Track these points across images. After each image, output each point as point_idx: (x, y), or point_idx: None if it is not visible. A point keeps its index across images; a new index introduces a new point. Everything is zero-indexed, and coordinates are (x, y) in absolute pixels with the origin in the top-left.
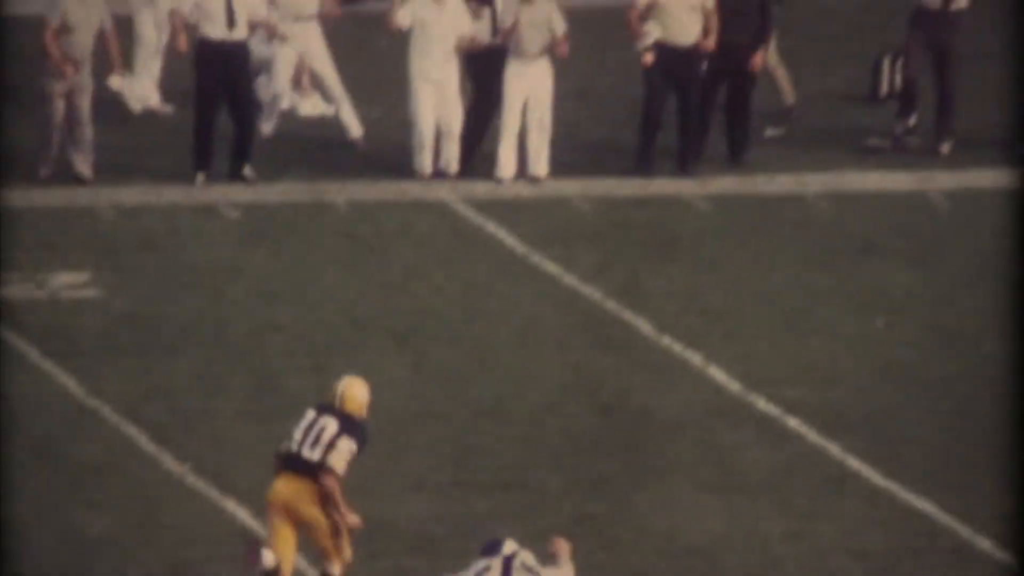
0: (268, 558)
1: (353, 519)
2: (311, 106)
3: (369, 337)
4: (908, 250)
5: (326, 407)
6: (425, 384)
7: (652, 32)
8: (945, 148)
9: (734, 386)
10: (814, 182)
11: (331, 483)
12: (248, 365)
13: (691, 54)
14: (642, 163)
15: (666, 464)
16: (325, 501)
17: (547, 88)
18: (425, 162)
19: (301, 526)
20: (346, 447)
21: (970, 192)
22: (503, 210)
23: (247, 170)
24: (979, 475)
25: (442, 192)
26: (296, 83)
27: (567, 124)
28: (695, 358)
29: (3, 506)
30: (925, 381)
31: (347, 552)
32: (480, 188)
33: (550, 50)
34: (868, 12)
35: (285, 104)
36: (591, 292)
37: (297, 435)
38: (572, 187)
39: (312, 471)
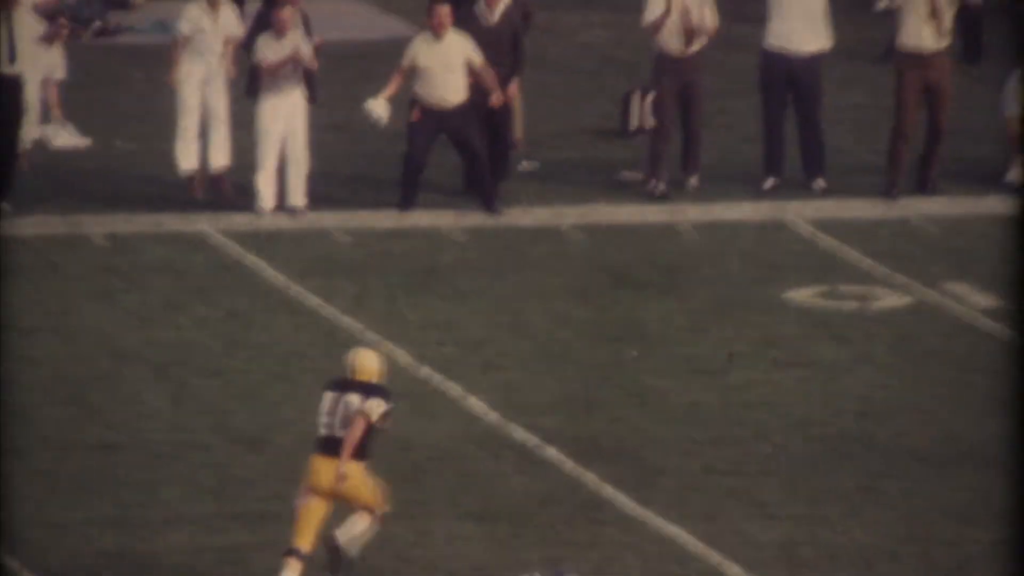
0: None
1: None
2: (64, 138)
3: (129, 369)
4: (660, 281)
5: (342, 383)
6: (185, 415)
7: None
8: (693, 182)
9: (492, 416)
10: (569, 215)
11: (357, 428)
12: (4, 399)
13: (459, 110)
14: (404, 201)
15: (426, 494)
16: (363, 474)
17: (302, 120)
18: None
19: (345, 501)
20: (376, 403)
21: (717, 224)
22: (262, 242)
23: (3, 204)
24: (729, 502)
25: (201, 224)
26: (47, 115)
27: (325, 157)
28: (454, 388)
29: None
30: (676, 410)
31: (382, 504)
32: (239, 220)
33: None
34: (620, 47)
35: (36, 135)
36: (350, 323)
37: (324, 419)
38: (331, 219)
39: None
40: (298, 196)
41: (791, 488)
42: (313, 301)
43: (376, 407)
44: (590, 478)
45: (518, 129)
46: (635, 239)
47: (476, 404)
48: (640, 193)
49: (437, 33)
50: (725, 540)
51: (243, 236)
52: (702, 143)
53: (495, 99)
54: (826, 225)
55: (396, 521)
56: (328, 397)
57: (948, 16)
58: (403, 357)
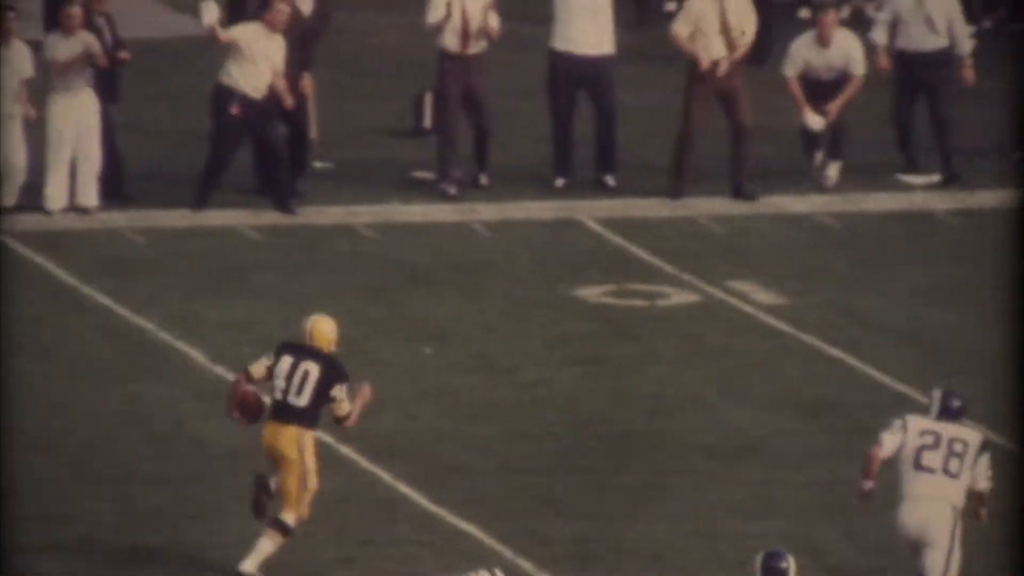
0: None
1: (366, 392)
2: None
3: None
4: (453, 280)
5: (300, 349)
6: None
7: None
8: (483, 180)
9: None
10: (363, 214)
11: (350, 424)
12: None
13: (266, 106)
14: (199, 200)
15: (221, 494)
16: (303, 445)
17: (94, 120)
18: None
19: (279, 465)
20: (341, 394)
21: (509, 223)
22: (53, 242)
23: None
24: (521, 499)
25: None
26: None
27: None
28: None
29: None
30: (470, 407)
31: (305, 509)
32: (28, 220)
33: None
34: (413, 48)
35: None
36: (144, 323)
37: (281, 383)
38: (123, 218)
39: (298, 417)
40: (90, 196)
41: (581, 484)
42: (105, 301)
43: (343, 403)
44: (385, 476)
45: (312, 129)
46: (428, 238)
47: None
48: (433, 192)
49: (272, 28)
50: (517, 537)
51: (32, 236)
52: (491, 142)
53: (287, 102)
54: (615, 224)
55: (189, 522)
56: (286, 361)
57: (738, 30)
58: (198, 357)
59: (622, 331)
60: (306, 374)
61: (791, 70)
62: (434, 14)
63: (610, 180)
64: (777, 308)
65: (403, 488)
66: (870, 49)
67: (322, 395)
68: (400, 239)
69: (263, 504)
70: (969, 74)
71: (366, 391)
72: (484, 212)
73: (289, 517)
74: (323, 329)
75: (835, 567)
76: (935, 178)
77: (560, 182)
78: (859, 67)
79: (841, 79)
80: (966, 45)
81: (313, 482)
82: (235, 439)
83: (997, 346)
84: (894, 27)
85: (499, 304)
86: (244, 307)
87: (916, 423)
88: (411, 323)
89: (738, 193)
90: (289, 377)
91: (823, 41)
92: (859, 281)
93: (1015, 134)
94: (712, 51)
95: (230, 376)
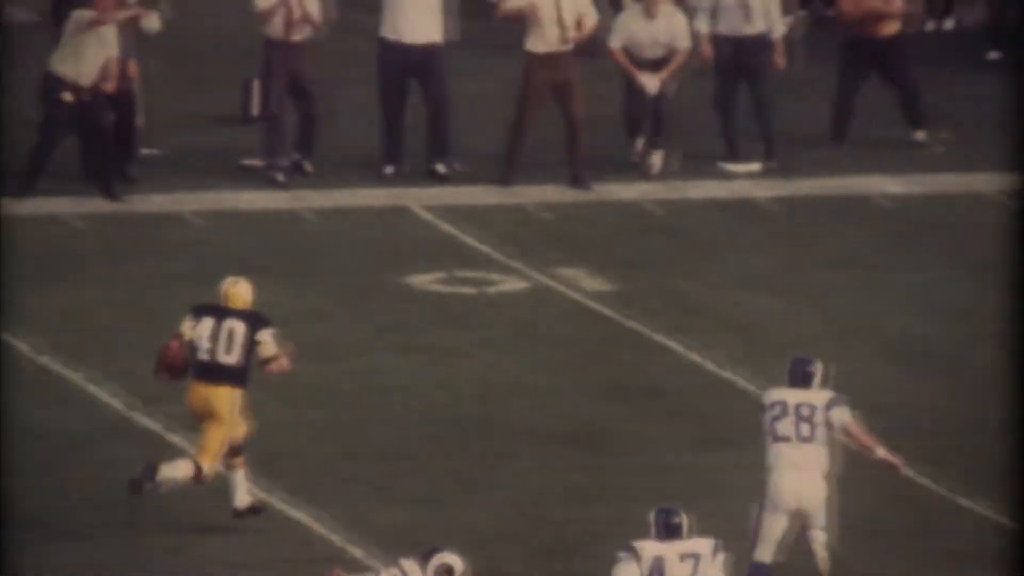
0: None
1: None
2: None
3: None
4: (284, 267)
5: (218, 310)
6: None
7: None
8: (307, 167)
9: (117, 403)
10: (190, 201)
11: (281, 365)
12: None
13: (96, 93)
14: (25, 188)
15: (55, 484)
16: (234, 404)
17: None
18: None
19: (207, 422)
20: (267, 337)
21: (339, 210)
22: None
23: None
24: (351, 485)
25: None
26: None
27: None
28: (76, 376)
29: None
30: (301, 394)
31: (215, 463)
32: None
33: None
34: (239, 35)
35: None
36: None
37: (206, 343)
38: None
39: (230, 376)
40: None
41: (411, 471)
42: None
43: (271, 344)
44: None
45: (140, 116)
46: (258, 225)
47: (99, 392)
48: (262, 180)
49: (103, 20)
50: (347, 523)
51: None
52: (318, 129)
53: (109, 87)
54: (445, 212)
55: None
56: (207, 322)
57: (573, 21)
58: (23, 346)
59: (452, 318)
60: (231, 332)
61: (617, 42)
62: (265, 1)
63: (442, 168)
64: (605, 295)
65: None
66: (694, 37)
67: (252, 349)
68: (229, 227)
69: (141, 488)
70: (781, 59)
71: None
72: (314, 199)
73: (205, 464)
74: (238, 292)
75: None
76: (755, 166)
77: (389, 170)
78: (684, 40)
79: (665, 59)
80: (779, 30)
81: (237, 435)
82: (69, 428)
83: (819, 330)
84: (714, 13)
85: (329, 291)
86: (70, 295)
87: (769, 394)
88: None
89: (575, 182)
90: (214, 337)
91: (650, 13)
92: (684, 268)
93: (836, 122)
94: (547, 41)
95: (56, 366)
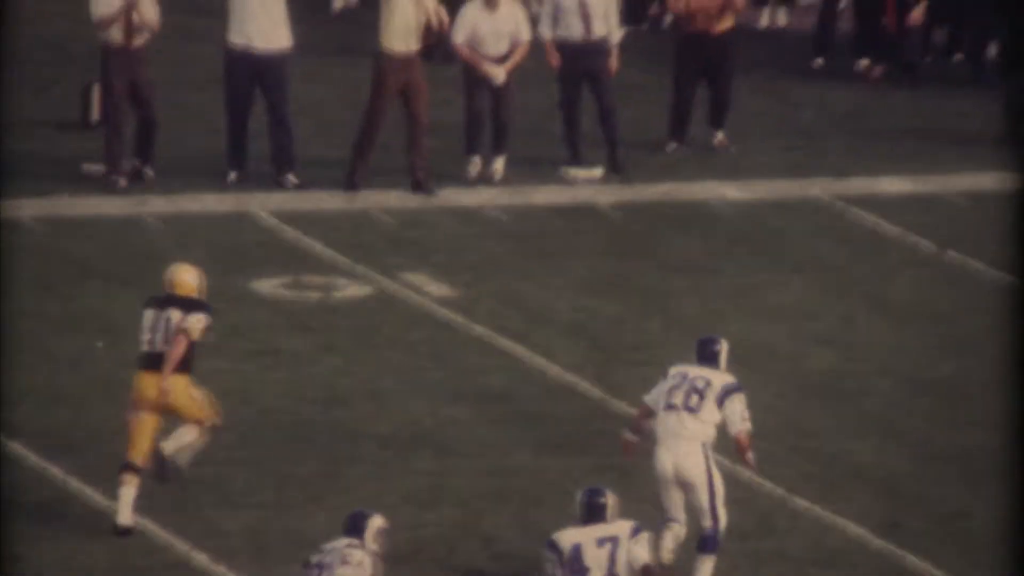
0: (168, 446)
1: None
2: None
3: None
4: (126, 273)
5: (161, 300)
6: None
7: None
8: (148, 171)
9: None
10: (30, 207)
11: (180, 345)
12: None
13: None
14: None
15: None
16: (188, 387)
17: None
18: None
19: (172, 414)
20: (196, 318)
21: (182, 216)
22: None
23: None
24: (196, 491)
25: None
26: None
27: None
28: None
29: None
30: None
31: (209, 415)
32: None
33: None
34: (77, 40)
35: None
36: None
37: (146, 335)
38: None
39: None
40: None
41: (257, 476)
42: None
43: (197, 323)
44: (56, 472)
45: None
46: (99, 231)
47: None
48: (103, 185)
49: None
50: (192, 530)
51: None
52: (156, 135)
53: None
54: (289, 217)
55: None
56: (148, 315)
57: (422, 22)
58: None
59: (297, 323)
60: (168, 320)
61: (460, 36)
62: (105, 7)
63: (291, 179)
64: (448, 299)
65: (75, 483)
66: (539, 46)
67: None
68: (70, 233)
69: (168, 473)
70: (614, 63)
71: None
72: (156, 205)
73: (205, 420)
74: (184, 279)
75: (504, 553)
76: (598, 172)
77: (232, 176)
78: (526, 33)
79: (508, 55)
80: (616, 35)
81: (209, 407)
82: None
83: (660, 335)
84: (555, 20)
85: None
86: None
87: (675, 368)
88: (83, 317)
89: (417, 187)
90: (153, 328)
91: (491, 6)
92: (527, 273)
93: (671, 127)
94: (406, 42)
95: None
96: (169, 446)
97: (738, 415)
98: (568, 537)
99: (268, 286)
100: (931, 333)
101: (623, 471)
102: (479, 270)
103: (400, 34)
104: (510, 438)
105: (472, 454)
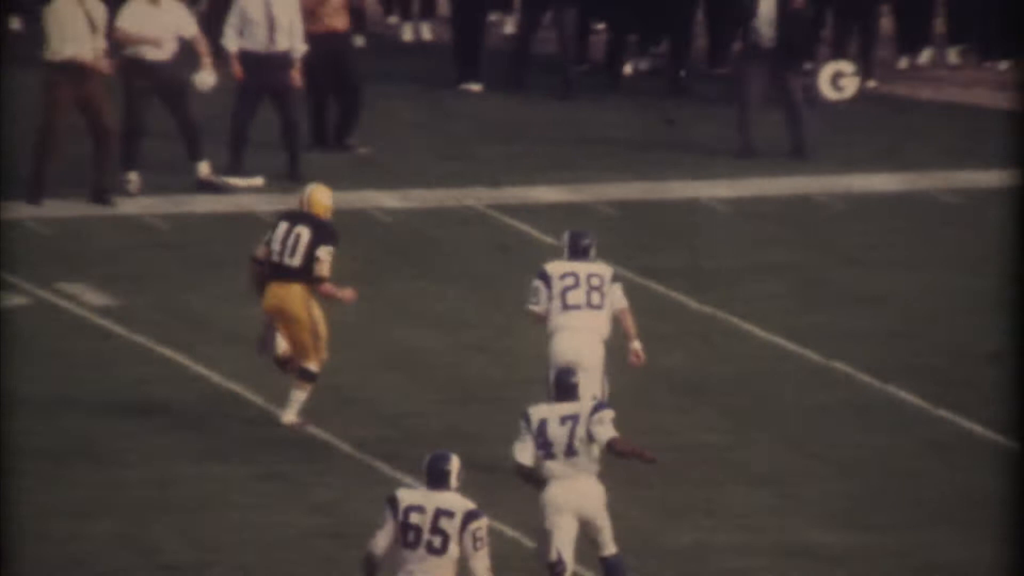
0: (281, 345)
1: (348, 293)
2: None
3: None
4: None
5: (295, 215)
6: None
7: None
8: None
9: None
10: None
11: (326, 289)
12: None
13: None
14: None
15: None
16: (307, 301)
17: None
18: None
19: (287, 324)
20: (326, 254)
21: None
22: None
23: None
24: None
25: None
26: None
27: None
28: None
29: None
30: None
31: (323, 353)
32: None
33: None
34: None
35: None
36: None
37: (276, 246)
38: None
39: (294, 275)
40: None
41: None
42: None
43: (326, 263)
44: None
45: None
46: None
47: None
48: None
49: None
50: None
51: None
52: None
53: None
54: None
55: None
56: (282, 226)
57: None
58: None
59: None
60: (298, 237)
61: (121, 31)
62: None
63: None
64: (108, 309)
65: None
66: (223, 57)
67: (312, 256)
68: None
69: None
70: (297, 76)
71: (349, 293)
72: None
73: (312, 365)
74: (319, 198)
75: (168, 564)
76: (258, 180)
77: None
78: (191, 27)
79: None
80: (300, 49)
81: (323, 328)
82: None
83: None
84: (241, 31)
85: None
86: None
87: (553, 267)
88: None
89: (97, 198)
90: (284, 240)
91: (154, 2)
92: (188, 282)
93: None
94: (79, 51)
95: None
96: (288, 416)
97: (619, 295)
98: (537, 413)
99: None
100: None
101: (284, 478)
102: (140, 279)
103: (63, 42)
104: (172, 447)
105: (133, 464)
